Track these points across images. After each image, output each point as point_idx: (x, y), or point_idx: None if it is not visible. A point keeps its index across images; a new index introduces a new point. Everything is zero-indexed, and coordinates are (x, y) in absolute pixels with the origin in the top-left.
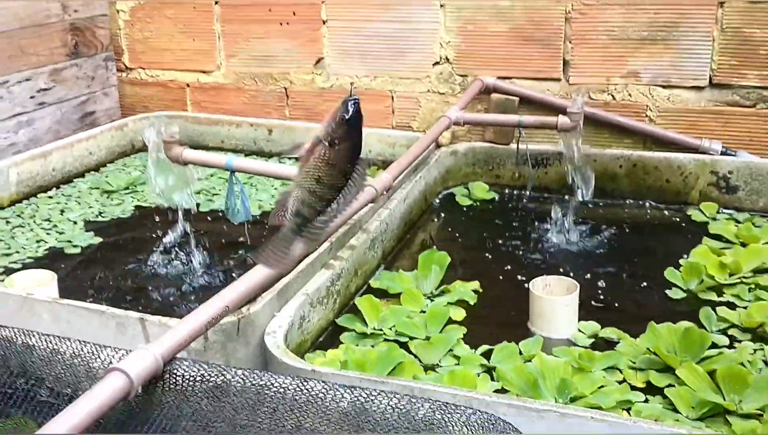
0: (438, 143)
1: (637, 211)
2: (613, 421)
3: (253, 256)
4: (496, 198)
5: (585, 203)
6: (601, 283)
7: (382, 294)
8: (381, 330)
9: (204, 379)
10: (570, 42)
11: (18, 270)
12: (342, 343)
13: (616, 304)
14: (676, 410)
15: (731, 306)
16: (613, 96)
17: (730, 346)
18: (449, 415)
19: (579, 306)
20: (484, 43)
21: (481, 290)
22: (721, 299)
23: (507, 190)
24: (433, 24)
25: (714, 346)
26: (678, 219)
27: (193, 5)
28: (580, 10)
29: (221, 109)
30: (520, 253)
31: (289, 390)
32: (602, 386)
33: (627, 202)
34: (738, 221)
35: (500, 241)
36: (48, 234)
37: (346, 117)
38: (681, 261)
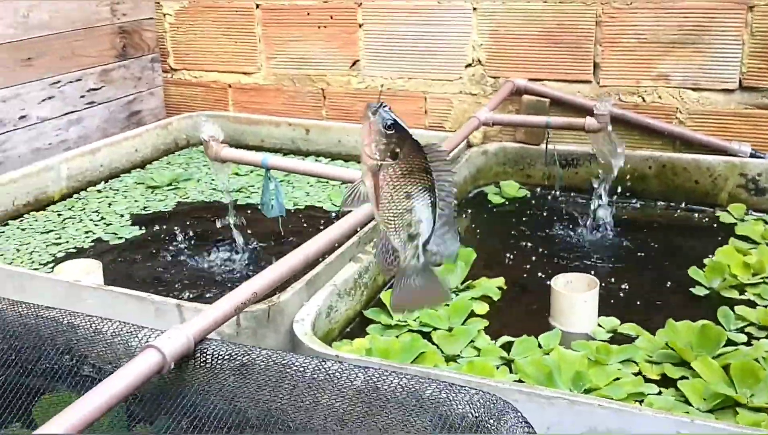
0: (469, 143)
1: (665, 212)
2: (618, 409)
3: (393, 305)
4: (527, 195)
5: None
6: (625, 281)
7: None
8: (405, 322)
9: (231, 358)
10: (600, 45)
11: (66, 259)
12: (368, 333)
13: (638, 302)
14: (688, 402)
15: (751, 304)
16: (643, 98)
17: (748, 344)
18: (453, 395)
19: (601, 302)
20: (516, 46)
21: (505, 287)
22: (742, 298)
23: (537, 190)
24: (465, 27)
25: (731, 343)
26: (706, 220)
27: (235, 9)
28: (610, 13)
29: (261, 110)
30: (547, 250)
31: (308, 369)
32: (617, 378)
33: (656, 202)
34: (766, 222)
35: (528, 239)
36: (96, 225)
37: (388, 124)
38: (705, 260)
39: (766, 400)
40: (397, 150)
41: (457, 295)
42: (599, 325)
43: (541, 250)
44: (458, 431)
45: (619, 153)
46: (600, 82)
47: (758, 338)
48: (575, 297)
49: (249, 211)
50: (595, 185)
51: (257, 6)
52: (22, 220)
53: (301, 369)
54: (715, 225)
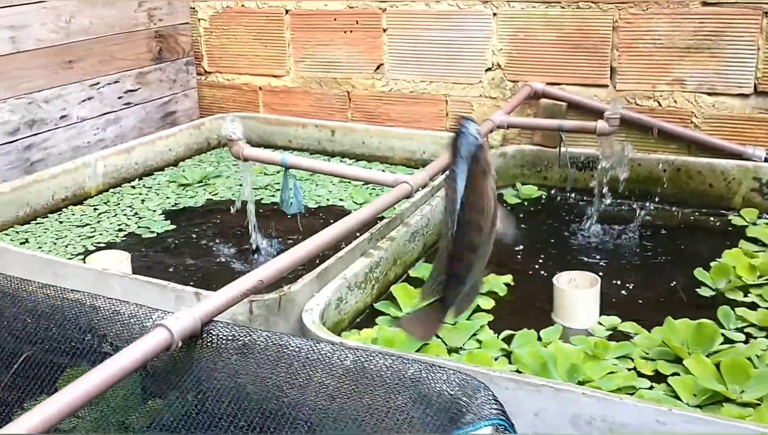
0: (490, 145)
1: (678, 215)
2: (602, 398)
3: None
4: (543, 197)
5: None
6: (630, 281)
7: (419, 283)
8: None
9: (234, 338)
10: (617, 50)
11: (99, 250)
12: (377, 324)
13: (641, 301)
14: (678, 397)
15: (753, 306)
16: (659, 102)
17: (746, 343)
18: (433, 374)
19: (605, 301)
20: (534, 51)
21: (512, 283)
22: (745, 300)
23: (553, 192)
24: (485, 32)
25: (729, 342)
26: (718, 223)
27: (266, 15)
28: (626, 19)
29: (289, 111)
30: (556, 250)
31: (303, 349)
32: (611, 372)
33: (669, 205)
34: None
35: (539, 239)
36: (129, 220)
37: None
38: (712, 263)
39: (756, 396)
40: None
41: None
42: (600, 323)
43: (550, 249)
44: (434, 406)
45: (627, 158)
46: (617, 86)
47: (756, 338)
48: (576, 294)
49: (274, 208)
50: (602, 188)
51: (287, 11)
52: (60, 214)
53: (297, 349)
54: (727, 228)
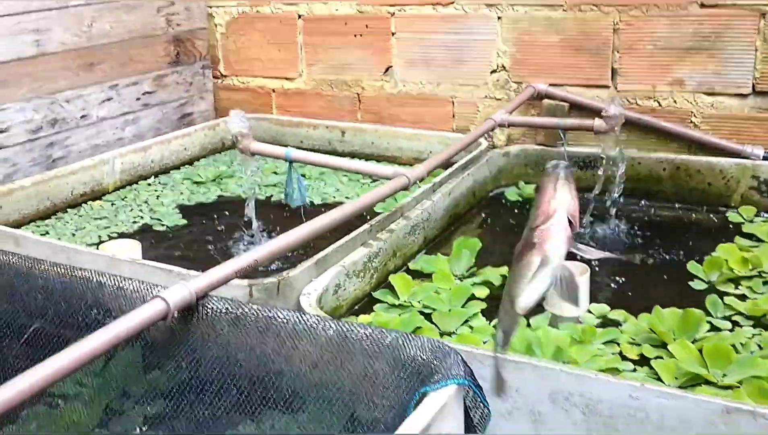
0: (494, 145)
1: (677, 213)
2: (579, 374)
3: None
4: None
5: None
6: (624, 274)
7: (418, 274)
8: (410, 303)
9: (227, 311)
10: (618, 51)
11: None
12: (374, 311)
13: (632, 293)
14: (660, 380)
15: (743, 298)
16: (659, 102)
17: (732, 331)
18: (408, 342)
19: (598, 293)
20: (538, 53)
21: (508, 275)
22: (736, 292)
23: None
24: (490, 35)
25: (716, 329)
26: (716, 220)
27: (280, 20)
28: (627, 21)
29: (302, 113)
30: None
31: (290, 321)
32: (596, 356)
33: (669, 203)
34: None
35: None
36: (142, 213)
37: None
38: (707, 257)
39: (736, 380)
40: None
41: (461, 281)
42: (589, 311)
43: None
44: (408, 370)
45: (622, 157)
46: (618, 87)
47: (742, 326)
48: None
49: (280, 204)
50: (599, 185)
51: (299, 16)
52: (78, 208)
53: (285, 321)
54: (724, 225)
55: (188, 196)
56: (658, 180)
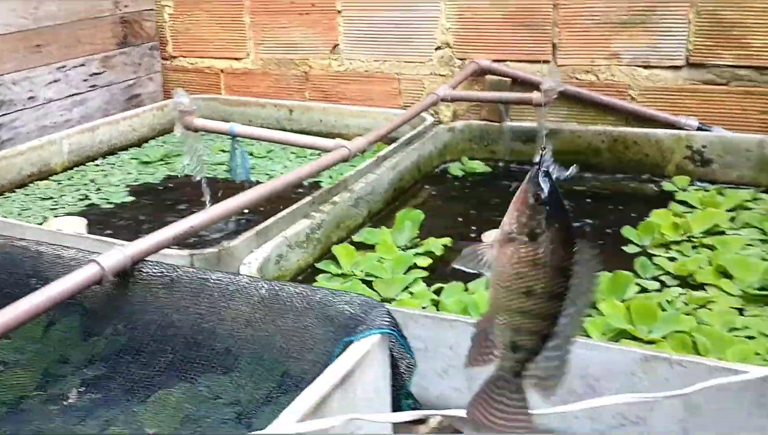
0: (439, 120)
1: (615, 183)
2: None
3: (468, 412)
4: (489, 170)
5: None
6: None
7: (362, 246)
8: (353, 272)
9: (162, 275)
10: (558, 27)
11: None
12: (316, 281)
13: None
14: (588, 336)
15: (672, 259)
16: (597, 76)
17: (659, 291)
18: (337, 298)
19: None
20: (481, 29)
21: (450, 245)
22: (667, 255)
23: (501, 164)
24: (434, 12)
25: (645, 290)
26: (653, 190)
27: (227, 0)
28: None
29: (250, 93)
30: (496, 216)
31: (223, 282)
32: None
33: (608, 175)
34: (707, 190)
35: (478, 206)
36: (89, 192)
37: (543, 196)
38: (641, 223)
39: (662, 334)
40: (539, 232)
41: (404, 251)
42: None
43: (489, 215)
44: (336, 324)
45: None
46: (558, 61)
47: (669, 286)
48: None
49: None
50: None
51: None
52: (26, 188)
53: (218, 282)
54: (659, 194)
55: (136, 175)
56: (597, 152)
